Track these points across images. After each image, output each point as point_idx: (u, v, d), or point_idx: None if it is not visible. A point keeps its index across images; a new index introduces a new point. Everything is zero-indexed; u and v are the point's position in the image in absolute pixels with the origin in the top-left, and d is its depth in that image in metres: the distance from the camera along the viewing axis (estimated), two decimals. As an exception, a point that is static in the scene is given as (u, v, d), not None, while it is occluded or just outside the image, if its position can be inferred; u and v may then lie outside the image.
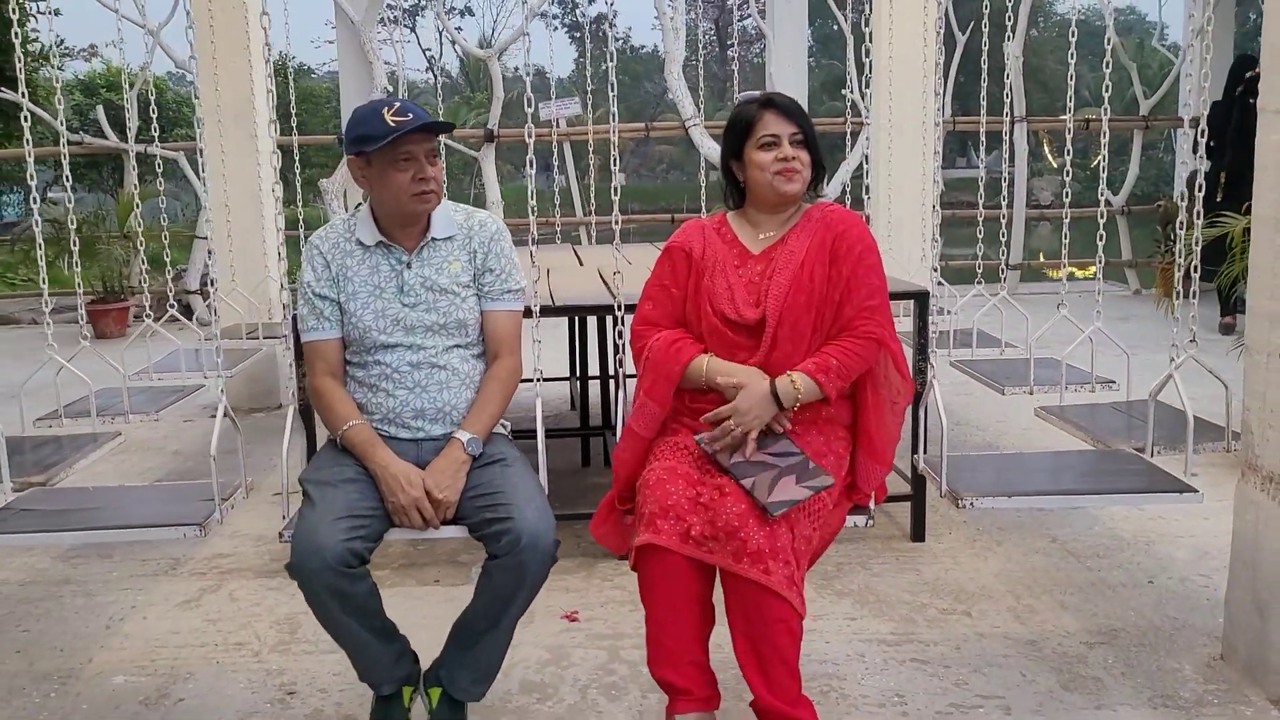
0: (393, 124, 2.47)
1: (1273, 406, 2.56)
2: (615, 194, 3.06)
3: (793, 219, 2.58)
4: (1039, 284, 10.62)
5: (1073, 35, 3.52)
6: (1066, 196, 3.58)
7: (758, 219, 2.60)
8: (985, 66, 4.51)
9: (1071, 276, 11.61)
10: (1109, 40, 3.31)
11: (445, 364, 2.62)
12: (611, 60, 3.00)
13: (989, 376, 4.13)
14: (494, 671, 2.55)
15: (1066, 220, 3.92)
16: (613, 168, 3.27)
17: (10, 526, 2.63)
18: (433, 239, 2.65)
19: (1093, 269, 11.44)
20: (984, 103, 5.18)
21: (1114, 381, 3.78)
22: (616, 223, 3.13)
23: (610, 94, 3.02)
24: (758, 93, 2.59)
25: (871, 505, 2.59)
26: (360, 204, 2.74)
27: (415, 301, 2.61)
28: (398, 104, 2.51)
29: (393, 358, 2.61)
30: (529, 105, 2.84)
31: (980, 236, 4.80)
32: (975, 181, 5.63)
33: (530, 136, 2.85)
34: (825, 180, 2.63)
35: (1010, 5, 4.25)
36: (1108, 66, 3.23)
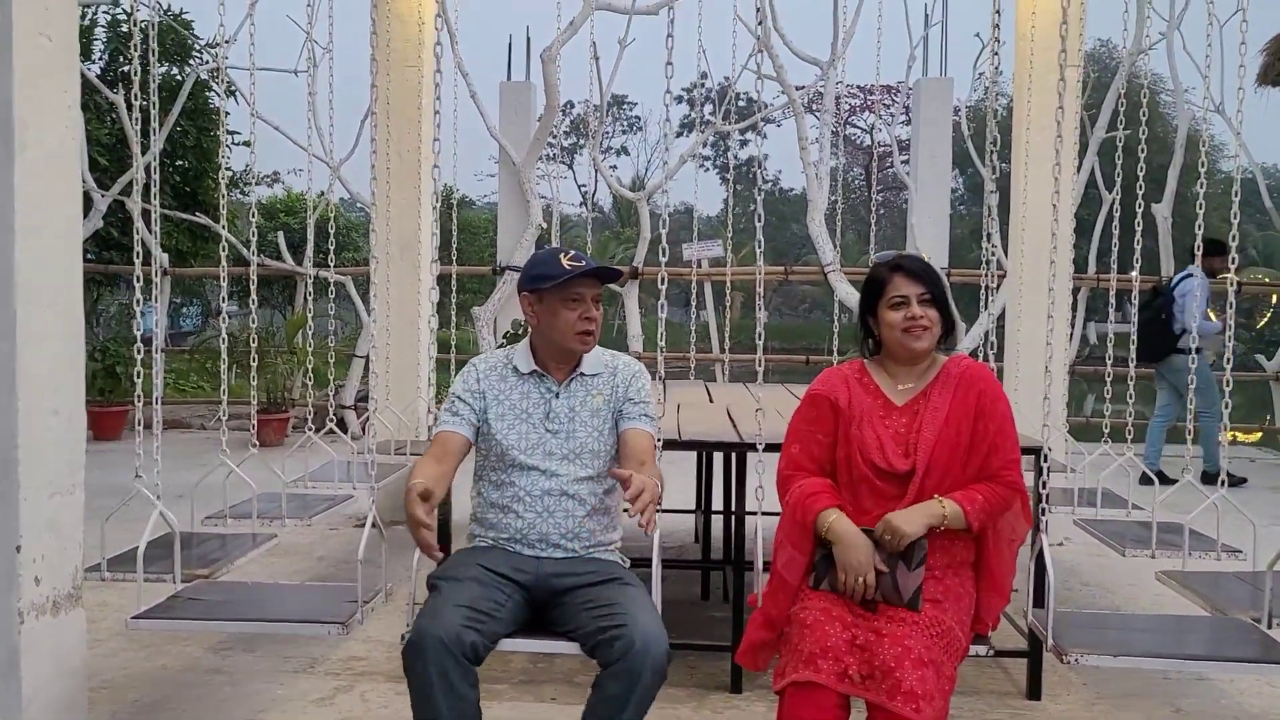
0: (568, 267, 2.81)
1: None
2: (760, 338, 3.24)
3: (930, 371, 2.77)
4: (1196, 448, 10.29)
5: (1236, 195, 3.59)
6: (1228, 362, 3.58)
7: (895, 370, 2.79)
8: (1140, 226, 4.57)
9: (1235, 441, 11.18)
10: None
11: (574, 493, 2.84)
12: (759, 213, 3.22)
13: (1112, 537, 4.11)
14: None
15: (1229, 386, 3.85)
16: (758, 314, 3.47)
17: (180, 613, 2.91)
18: (582, 374, 2.94)
19: (1258, 434, 10.94)
20: (1137, 262, 5.23)
21: (1240, 551, 3.72)
22: (760, 364, 3.31)
23: (758, 246, 3.24)
24: (891, 254, 2.81)
25: (989, 634, 2.76)
26: (510, 333, 3.08)
27: (558, 429, 2.87)
28: (573, 251, 2.87)
29: (527, 481, 2.84)
30: (663, 255, 3.09)
31: (1131, 394, 4.78)
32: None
33: (663, 283, 3.09)
34: (958, 334, 2.81)
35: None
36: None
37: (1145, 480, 5.12)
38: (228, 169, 11.92)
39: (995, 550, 2.71)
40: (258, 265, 4.60)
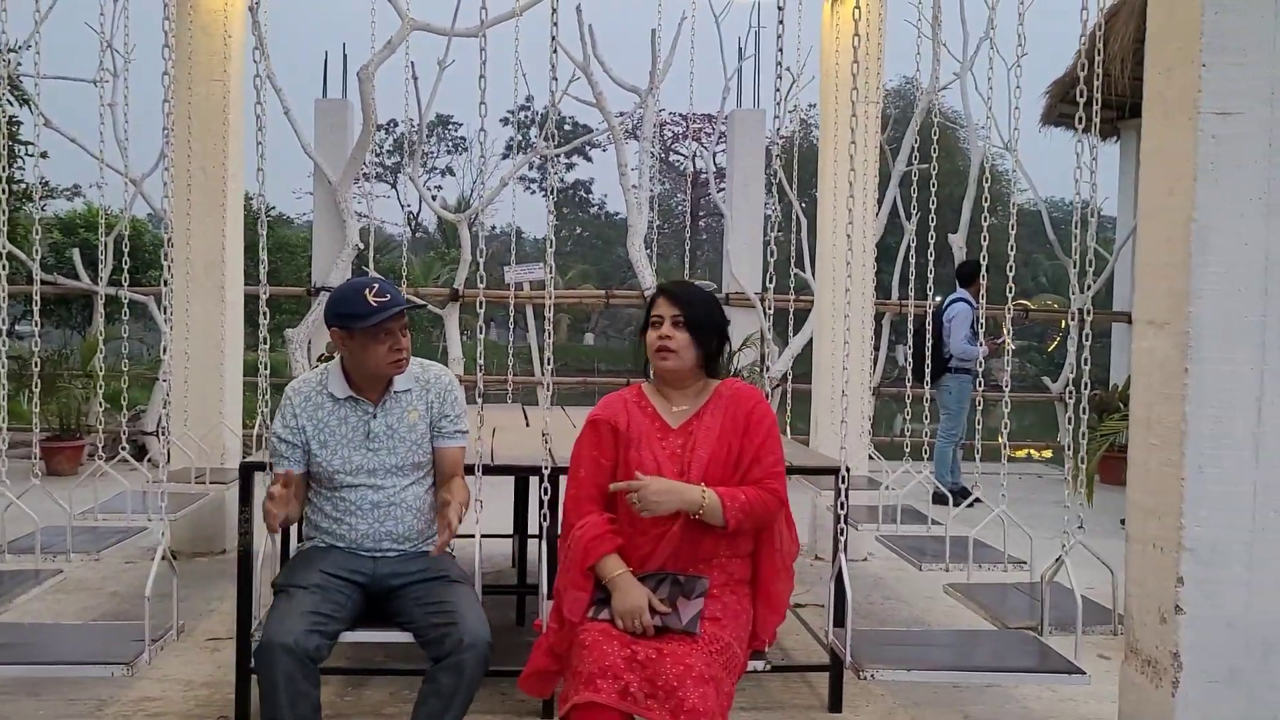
0: (374, 304, 2.95)
1: (1150, 593, 2.74)
2: (549, 364, 3.30)
3: (703, 394, 2.86)
4: (991, 464, 10.89)
5: (1012, 229, 3.82)
6: (1006, 385, 3.79)
7: (669, 393, 2.88)
8: (931, 256, 4.83)
9: (1029, 457, 11.90)
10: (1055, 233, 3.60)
11: (401, 500, 3.11)
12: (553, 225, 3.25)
13: (910, 552, 4.30)
14: None
15: (1007, 408, 4.09)
16: (545, 339, 3.50)
17: (-58, 658, 2.70)
18: (395, 392, 3.11)
19: (1049, 451, 11.60)
20: (931, 289, 5.52)
21: (1025, 562, 3.95)
22: (549, 388, 3.36)
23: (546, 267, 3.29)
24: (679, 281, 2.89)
25: (766, 649, 2.85)
26: (325, 355, 3.13)
27: (379, 447, 3.09)
28: (377, 285, 2.99)
29: (356, 496, 3.09)
30: (480, 282, 3.08)
31: (926, 415, 5.01)
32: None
33: (480, 306, 3.09)
34: (727, 359, 2.90)
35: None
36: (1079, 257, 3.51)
37: (938, 499, 5.38)
38: (19, 181, 11.22)
39: (770, 568, 2.82)
40: (48, 283, 4.34)
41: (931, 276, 4.87)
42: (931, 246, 4.74)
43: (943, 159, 4.84)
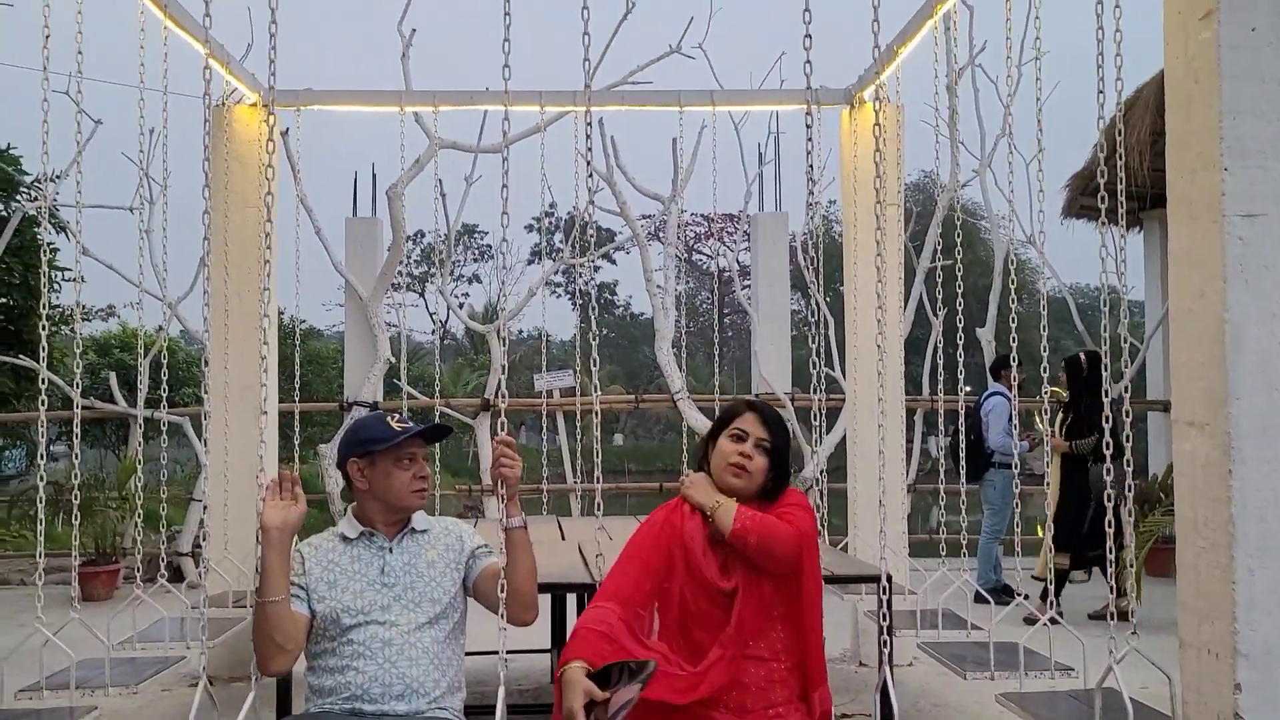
0: (398, 429, 2.87)
1: (1207, 700, 2.67)
2: (598, 506, 3.28)
3: (751, 502, 2.83)
4: (1030, 558, 10.70)
5: (1043, 330, 3.84)
6: (1047, 484, 3.77)
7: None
8: (962, 346, 4.85)
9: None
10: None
11: (416, 642, 2.83)
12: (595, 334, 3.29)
13: (953, 660, 4.21)
14: None
15: (1050, 508, 4.06)
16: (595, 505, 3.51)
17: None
18: (413, 529, 2.98)
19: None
20: (962, 381, 5.50)
21: (1073, 669, 3.86)
22: (598, 506, 3.33)
23: (593, 377, 3.32)
24: (756, 396, 2.90)
25: None
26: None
27: (394, 582, 2.89)
28: (400, 414, 2.95)
29: (364, 635, 2.81)
30: (502, 399, 3.10)
31: (964, 509, 4.96)
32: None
33: (503, 427, 3.09)
34: (783, 485, 2.88)
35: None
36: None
37: (981, 599, 5.29)
38: (56, 305, 11.44)
39: (813, 641, 2.73)
40: (86, 408, 4.40)
41: (962, 372, 4.87)
42: (960, 339, 4.76)
43: (965, 250, 4.86)
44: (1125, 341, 3.49)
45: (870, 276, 5.69)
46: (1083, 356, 7.46)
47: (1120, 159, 3.28)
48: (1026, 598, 4.37)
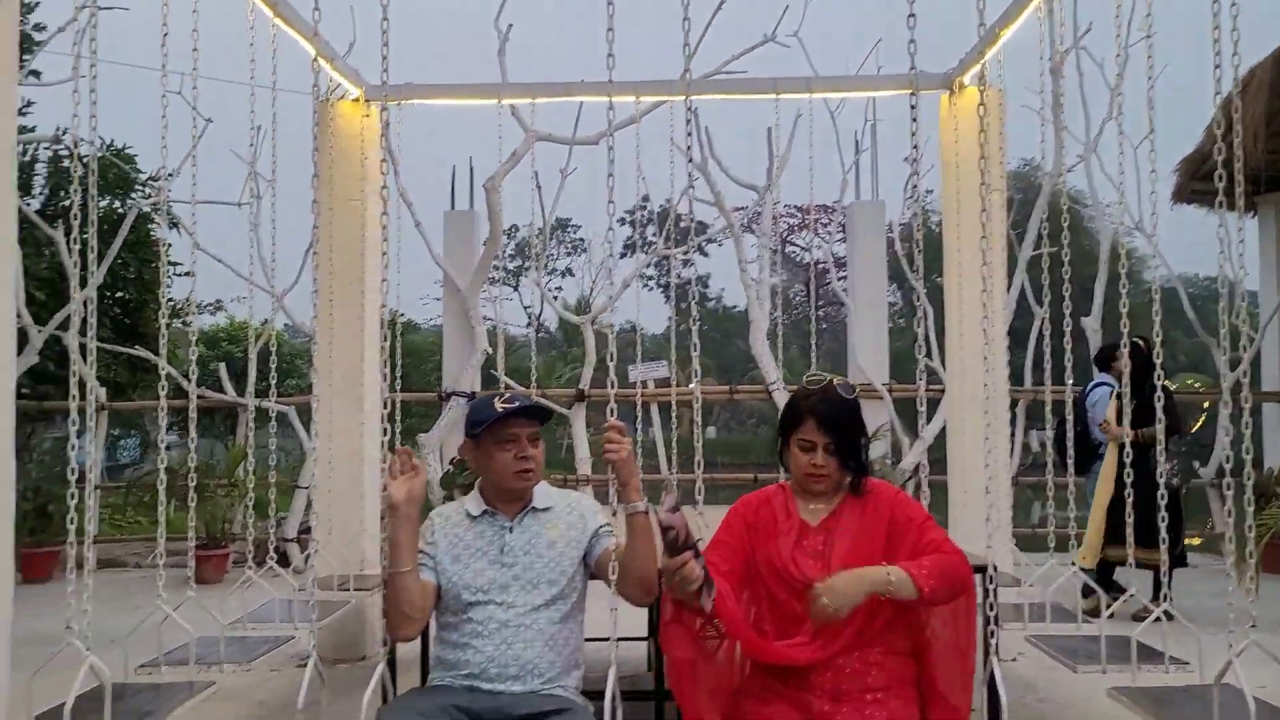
0: (500, 409, 2.92)
1: (1338, 698, 2.56)
2: (699, 491, 3.28)
3: (840, 490, 2.80)
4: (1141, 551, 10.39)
5: (1156, 315, 3.72)
6: (1161, 476, 3.65)
7: (805, 494, 2.82)
8: (1069, 337, 4.74)
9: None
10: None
11: (531, 623, 2.89)
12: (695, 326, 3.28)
13: (1063, 653, 4.10)
14: None
15: (1164, 499, 3.88)
16: (696, 434, 3.52)
17: (109, 773, 2.78)
18: (534, 508, 3.02)
19: (1199, 539, 11.09)
20: (1070, 373, 5.33)
21: (1188, 663, 3.74)
22: (700, 490, 3.32)
23: (695, 375, 3.32)
24: (817, 384, 2.83)
25: None
26: (456, 459, 3.13)
27: (513, 562, 2.95)
28: (508, 394, 2.99)
29: (483, 615, 2.90)
30: (612, 386, 3.11)
31: (1072, 501, 4.80)
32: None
33: (613, 413, 3.10)
34: (865, 473, 2.83)
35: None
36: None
37: (1088, 591, 5.15)
38: (170, 299, 11.87)
39: (943, 663, 2.69)
40: (201, 397, 4.55)
41: (1070, 360, 4.74)
42: (1067, 328, 4.63)
43: (1069, 239, 4.73)
44: (1243, 327, 3.36)
45: (974, 261, 5.59)
46: (1142, 342, 7.20)
47: (1237, 137, 3.15)
48: (1136, 593, 4.23)
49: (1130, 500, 4.17)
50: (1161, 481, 3.59)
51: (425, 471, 2.96)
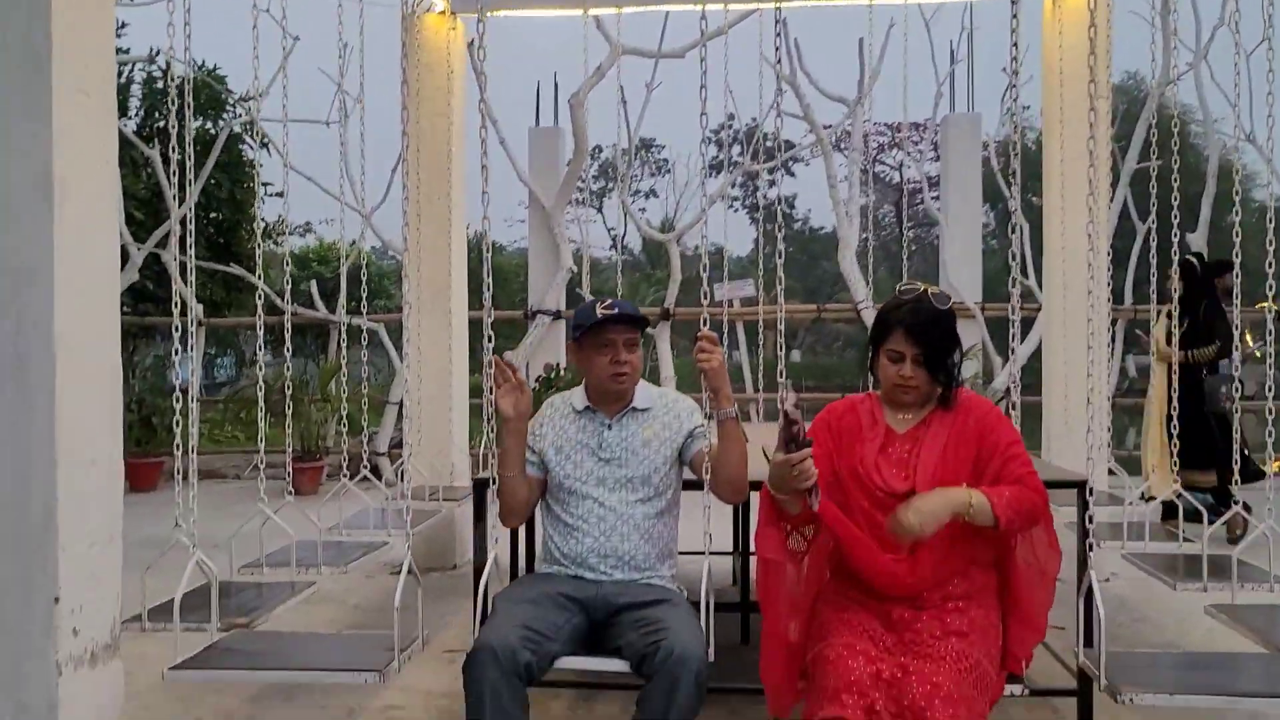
0: (600, 314, 3.03)
1: None
2: (783, 375, 3.25)
3: (930, 400, 2.73)
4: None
5: (1271, 221, 3.54)
6: (1270, 385, 3.53)
7: (894, 404, 2.76)
8: (1176, 256, 4.54)
9: (1278, 474, 10.93)
10: None
11: (628, 517, 3.07)
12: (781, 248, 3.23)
13: (1163, 571, 4.01)
14: None
15: (1271, 415, 3.77)
16: (779, 352, 3.49)
17: (217, 663, 2.90)
18: (634, 408, 3.14)
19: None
20: (1176, 292, 5.12)
21: (1294, 583, 3.62)
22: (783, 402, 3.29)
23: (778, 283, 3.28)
24: (911, 293, 2.74)
25: (1025, 673, 2.68)
26: (542, 377, 3.18)
27: (610, 458, 3.11)
28: (609, 300, 3.10)
29: (584, 508, 3.09)
30: (705, 298, 3.10)
31: (1175, 426, 4.65)
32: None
33: (705, 324, 3.08)
34: (956, 382, 2.75)
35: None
36: None
37: (1188, 516, 5.01)
38: (261, 219, 12.08)
39: (1025, 581, 2.66)
40: (291, 314, 4.62)
41: (1175, 278, 4.56)
42: (1174, 245, 4.44)
43: (1176, 155, 4.50)
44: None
45: (1077, 174, 5.39)
46: (1194, 259, 6.88)
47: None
48: (1243, 510, 4.08)
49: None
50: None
51: (528, 388, 3.08)
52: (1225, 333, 6.51)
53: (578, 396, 3.22)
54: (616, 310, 3.06)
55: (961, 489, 2.55)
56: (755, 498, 5.14)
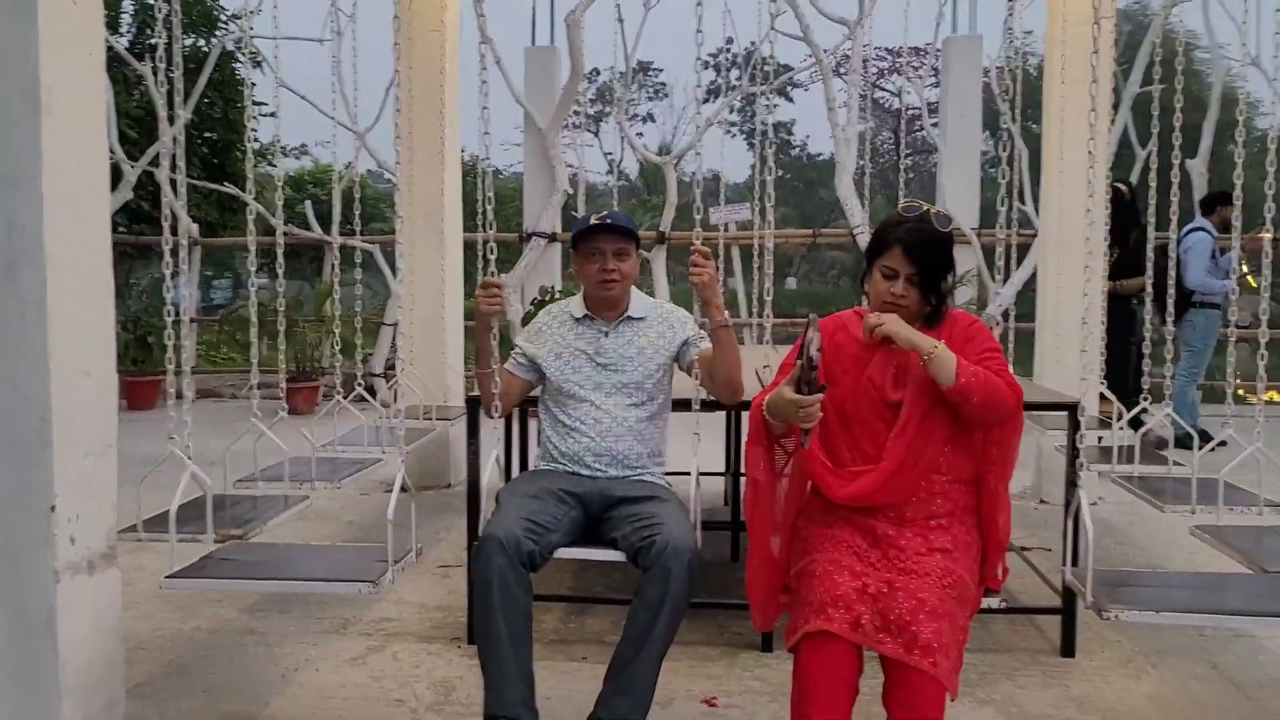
0: (592, 222, 3.21)
1: None
2: (768, 295, 3.27)
3: (918, 321, 2.72)
4: (1238, 407, 10.17)
5: (1273, 144, 3.50)
6: (1264, 314, 3.54)
7: None
8: (1176, 181, 4.49)
9: (1272, 401, 11.00)
10: None
11: (623, 419, 3.24)
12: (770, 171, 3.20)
13: (1150, 493, 4.05)
14: (648, 698, 2.80)
15: (1264, 337, 3.78)
16: (763, 277, 3.49)
17: (213, 573, 2.94)
18: (629, 316, 3.30)
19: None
20: (1174, 218, 5.07)
21: (1280, 504, 3.66)
22: (768, 320, 3.31)
23: (768, 201, 3.27)
24: (913, 212, 2.71)
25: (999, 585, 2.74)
26: (537, 299, 3.26)
27: (607, 363, 3.28)
28: (604, 212, 3.24)
29: (580, 411, 3.26)
30: (697, 213, 3.07)
31: (1169, 355, 4.65)
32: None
33: (699, 239, 3.06)
34: (946, 303, 2.74)
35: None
36: None
37: (1177, 442, 5.05)
38: (255, 139, 11.93)
39: (992, 500, 2.66)
40: (285, 235, 4.59)
41: (1174, 203, 4.51)
42: (1175, 170, 4.39)
43: (1179, 81, 4.43)
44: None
45: (1078, 97, 5.32)
46: (1123, 186, 6.81)
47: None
48: (1225, 444, 4.11)
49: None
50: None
51: (505, 304, 3.28)
52: (1157, 263, 6.42)
53: (575, 304, 3.37)
54: (609, 219, 3.21)
55: (932, 338, 2.57)
56: (746, 417, 5.18)
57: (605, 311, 3.32)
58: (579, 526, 3.13)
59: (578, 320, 3.35)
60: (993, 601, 2.71)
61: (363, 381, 5.49)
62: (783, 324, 13.63)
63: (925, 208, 2.71)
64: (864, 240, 9.01)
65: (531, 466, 3.52)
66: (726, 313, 3.07)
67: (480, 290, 3.14)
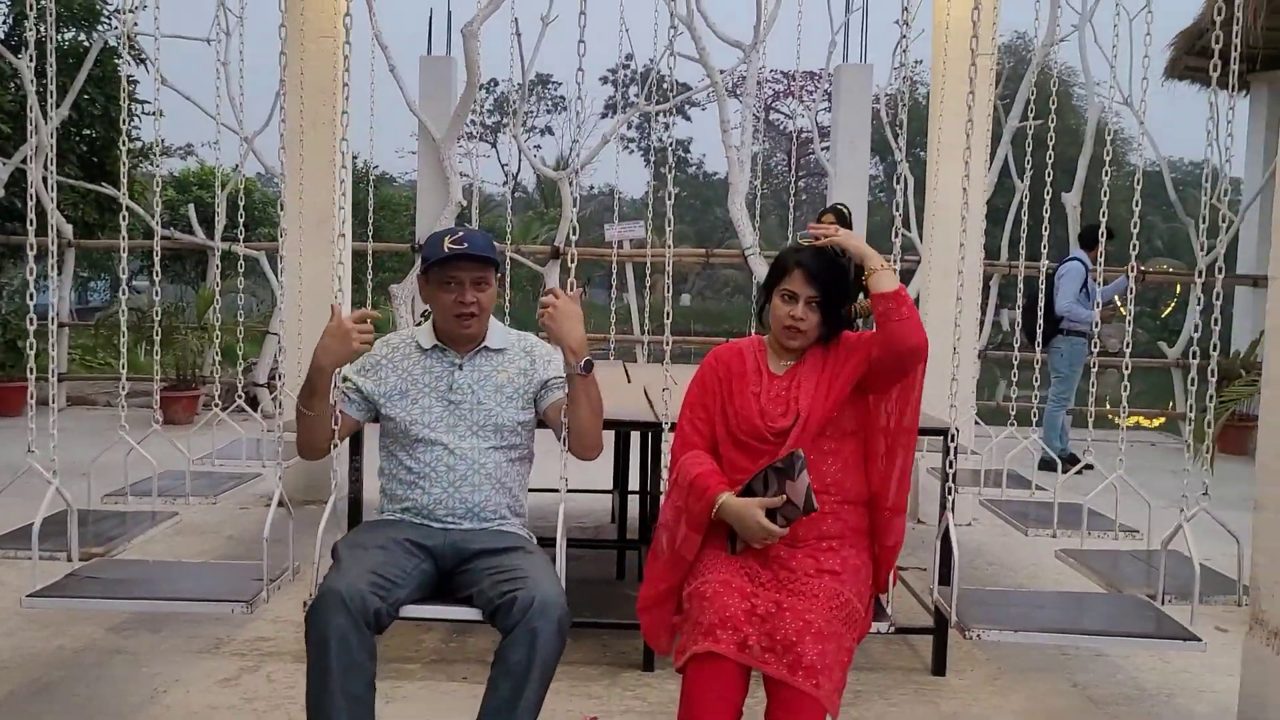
0: (447, 250, 2.79)
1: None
2: (668, 318, 3.27)
3: (813, 346, 2.80)
4: (1102, 430, 10.59)
5: (1137, 184, 3.67)
6: (1128, 347, 3.70)
7: (778, 348, 2.83)
8: (1048, 214, 4.70)
9: (1138, 426, 11.51)
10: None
11: (480, 467, 2.85)
12: (672, 188, 3.23)
13: (1016, 517, 4.20)
14: None
15: (1127, 369, 3.94)
16: (665, 295, 3.51)
17: (76, 592, 2.83)
18: (486, 349, 2.93)
19: (1161, 420, 11.22)
20: (1045, 249, 5.29)
21: (1138, 530, 3.84)
22: (668, 343, 3.32)
23: (667, 225, 3.28)
24: (807, 243, 2.80)
25: (890, 610, 2.81)
26: (427, 311, 3.00)
27: (460, 400, 2.87)
28: (460, 234, 2.83)
29: (431, 456, 2.85)
30: (573, 234, 3.07)
31: (1036, 379, 4.86)
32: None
33: (572, 260, 3.07)
34: (836, 332, 2.82)
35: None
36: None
37: (1045, 465, 5.24)
38: (136, 139, 11.54)
39: (879, 509, 2.76)
40: (166, 239, 4.46)
41: (1046, 236, 4.71)
42: (1046, 204, 4.59)
43: (1056, 118, 4.64)
44: (1223, 208, 3.33)
45: (957, 129, 5.49)
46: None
47: (1238, 11, 3.07)
48: (1092, 468, 4.30)
49: None
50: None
51: (366, 347, 2.81)
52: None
53: (424, 334, 2.96)
54: (465, 246, 2.80)
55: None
56: (635, 436, 5.19)
57: (460, 343, 2.92)
58: (430, 581, 2.77)
59: (425, 352, 2.93)
60: (882, 626, 2.75)
61: (245, 391, 5.34)
62: (679, 341, 13.76)
63: (825, 242, 2.78)
64: (755, 261, 9.17)
65: (367, 517, 3.13)
66: (588, 357, 2.77)
67: (353, 320, 2.72)
